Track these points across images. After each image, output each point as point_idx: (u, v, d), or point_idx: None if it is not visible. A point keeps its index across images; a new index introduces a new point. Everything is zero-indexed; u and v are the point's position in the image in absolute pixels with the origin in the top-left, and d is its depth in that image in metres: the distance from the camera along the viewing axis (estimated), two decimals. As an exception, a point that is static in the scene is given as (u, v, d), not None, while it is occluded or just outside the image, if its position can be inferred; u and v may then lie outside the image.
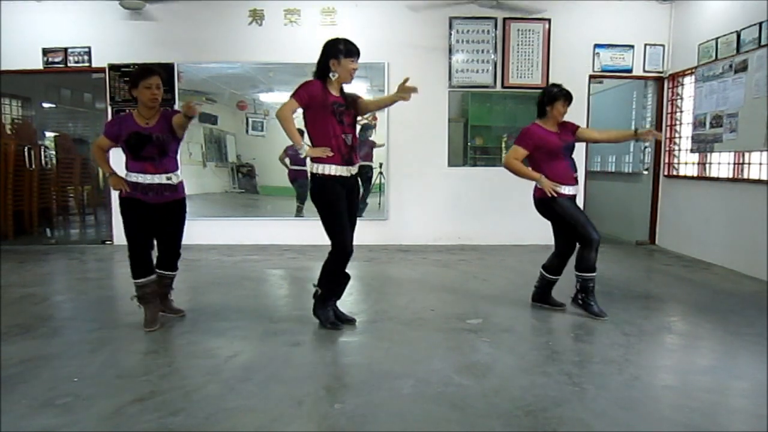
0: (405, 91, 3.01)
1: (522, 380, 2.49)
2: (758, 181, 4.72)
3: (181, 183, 3.25)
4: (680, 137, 6.06)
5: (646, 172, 6.57)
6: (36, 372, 2.55)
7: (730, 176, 5.14)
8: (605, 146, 7.34)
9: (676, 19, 6.05)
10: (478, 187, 6.23)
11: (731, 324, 3.35)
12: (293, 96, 2.99)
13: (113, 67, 6.05)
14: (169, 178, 3.15)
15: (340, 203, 3.05)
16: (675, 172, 6.12)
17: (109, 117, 5.95)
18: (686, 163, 5.94)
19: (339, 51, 3.01)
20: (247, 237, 6.19)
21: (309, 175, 3.12)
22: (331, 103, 3.00)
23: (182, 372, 2.59)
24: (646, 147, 6.54)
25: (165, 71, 5.85)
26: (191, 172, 6.06)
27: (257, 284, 4.46)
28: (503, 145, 6.32)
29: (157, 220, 3.20)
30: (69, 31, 6.06)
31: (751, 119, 4.67)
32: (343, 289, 3.28)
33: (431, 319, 3.42)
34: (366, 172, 6.17)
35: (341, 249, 3.06)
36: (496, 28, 6.10)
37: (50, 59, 6.10)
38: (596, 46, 6.15)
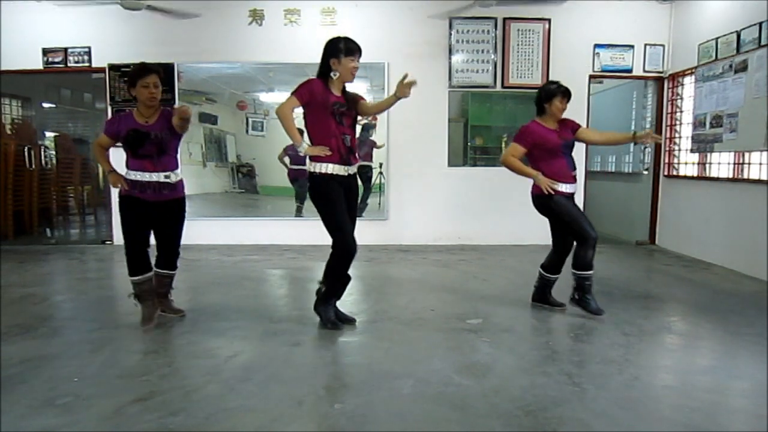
0: (406, 87, 2.99)
1: (522, 380, 2.49)
2: (758, 181, 4.72)
3: (180, 182, 3.25)
4: (680, 137, 6.06)
5: (646, 172, 6.56)
6: (36, 372, 2.55)
7: (730, 176, 5.14)
8: (605, 146, 7.34)
9: (676, 19, 6.05)
10: (478, 187, 6.23)
11: (731, 324, 3.35)
12: (294, 94, 2.99)
13: (113, 67, 6.05)
14: (167, 177, 3.15)
15: (338, 201, 3.05)
16: (675, 172, 6.12)
17: (109, 117, 5.95)
18: (686, 163, 5.94)
19: (339, 50, 3.01)
20: (247, 237, 6.19)
21: (308, 174, 3.13)
22: (331, 104, 3.00)
23: (182, 372, 2.59)
24: (646, 147, 6.53)
25: (165, 71, 5.87)
26: (191, 172, 6.06)
27: (257, 284, 4.46)
28: (503, 145, 6.31)
29: (156, 218, 3.20)
30: (69, 31, 6.06)
31: (751, 119, 4.67)
32: (343, 290, 3.27)
33: (431, 319, 3.42)
34: (366, 172, 6.17)
35: (343, 247, 3.05)
36: (496, 28, 6.10)
37: (50, 59, 6.10)
38: (596, 46, 6.15)
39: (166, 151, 3.14)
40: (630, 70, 6.21)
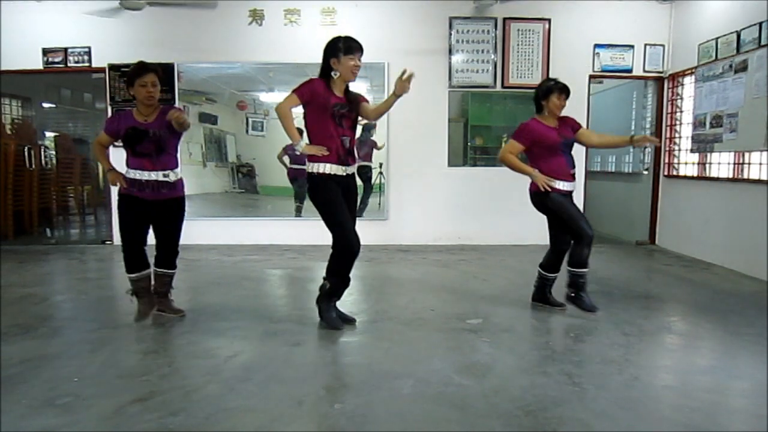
0: (405, 82, 2.93)
1: (522, 380, 2.49)
2: (758, 181, 4.72)
3: (180, 181, 3.25)
4: (680, 137, 6.06)
5: (646, 172, 6.56)
6: (36, 372, 2.55)
7: (730, 176, 5.14)
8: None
9: (676, 19, 6.05)
10: (478, 187, 6.23)
11: (731, 324, 3.35)
12: (295, 91, 3.00)
13: (113, 67, 6.05)
14: (166, 176, 3.15)
15: (337, 199, 3.04)
16: (675, 172, 6.12)
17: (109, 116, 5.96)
18: (686, 163, 5.94)
19: (338, 49, 3.01)
20: (247, 237, 6.19)
21: (306, 174, 3.12)
22: (332, 105, 2.99)
23: (182, 372, 2.58)
24: (646, 147, 6.53)
25: (165, 71, 5.87)
26: (191, 172, 6.05)
27: (257, 284, 4.46)
28: (503, 145, 6.29)
29: (155, 217, 3.21)
30: (69, 31, 6.06)
31: (751, 119, 4.67)
32: (344, 289, 3.26)
33: (431, 319, 3.42)
34: (366, 173, 6.17)
35: (344, 243, 3.03)
36: (496, 28, 6.10)
37: (50, 59, 6.10)
38: (596, 46, 6.15)
39: (165, 150, 3.14)
40: (630, 70, 6.21)
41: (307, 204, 6.06)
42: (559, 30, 6.11)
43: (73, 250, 6.03)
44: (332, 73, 3.03)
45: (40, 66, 6.10)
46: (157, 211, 3.19)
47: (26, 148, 6.82)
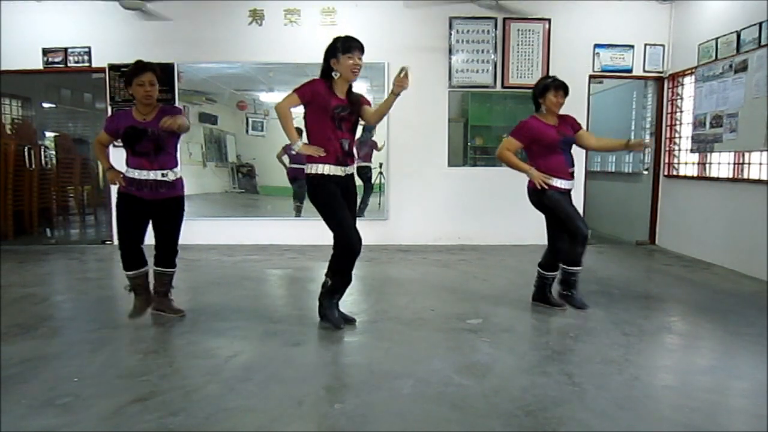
0: (404, 78, 2.86)
1: (522, 380, 2.49)
2: (758, 181, 4.72)
3: (179, 180, 3.25)
4: (680, 137, 6.06)
5: (646, 172, 6.56)
6: (36, 372, 2.55)
7: (730, 176, 5.14)
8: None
9: (676, 19, 6.04)
10: (478, 187, 6.23)
11: (731, 324, 3.35)
12: (296, 91, 2.99)
13: (113, 67, 6.05)
14: (164, 175, 3.15)
15: (336, 199, 3.03)
16: (675, 172, 6.12)
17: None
18: (686, 163, 5.94)
19: (336, 49, 3.00)
20: (247, 237, 6.19)
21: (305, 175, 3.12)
22: (332, 108, 2.98)
23: (182, 372, 2.58)
24: (644, 149, 6.54)
25: (165, 71, 5.87)
26: (191, 172, 6.05)
27: (257, 284, 4.46)
28: (503, 144, 6.31)
29: (154, 216, 3.22)
30: (69, 31, 6.06)
31: (751, 119, 4.67)
32: (344, 289, 3.26)
33: (431, 319, 3.42)
34: (365, 173, 6.17)
35: (344, 242, 3.02)
36: (496, 28, 6.10)
37: (50, 59, 6.10)
38: (596, 46, 6.15)
39: (163, 149, 3.14)
40: (630, 70, 6.21)
41: (307, 204, 6.06)
42: (559, 30, 6.11)
43: (73, 250, 6.03)
44: (333, 74, 3.03)
45: (40, 66, 6.10)
46: (156, 211, 3.20)
47: (26, 148, 6.82)
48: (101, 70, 6.11)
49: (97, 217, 8.52)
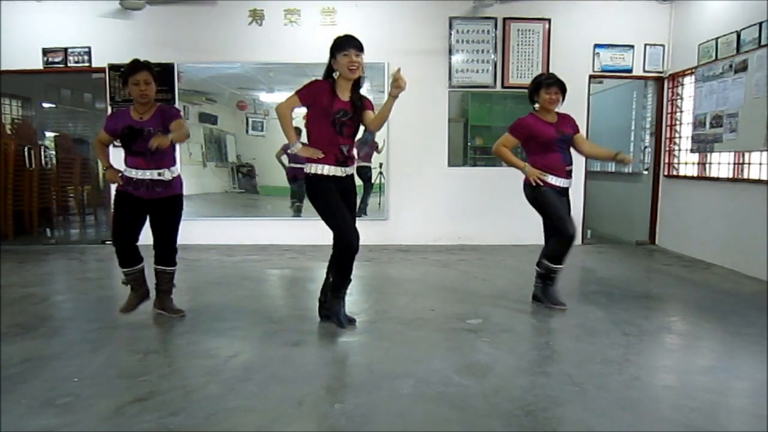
0: (400, 80, 2.80)
1: (522, 380, 2.49)
2: (758, 181, 4.72)
3: (176, 179, 3.25)
4: (680, 137, 6.06)
5: (646, 172, 6.56)
6: (36, 372, 2.54)
7: (730, 176, 5.14)
8: (605, 146, 7.30)
9: (676, 19, 6.04)
10: (478, 187, 6.23)
11: (731, 324, 3.35)
12: (297, 93, 2.98)
13: (113, 67, 6.04)
14: (161, 174, 3.15)
15: (335, 198, 3.01)
16: (675, 172, 6.12)
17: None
18: (686, 163, 5.94)
19: (334, 48, 3.00)
20: (247, 237, 6.18)
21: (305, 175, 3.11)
22: (334, 112, 2.96)
23: (182, 372, 2.59)
24: (646, 147, 6.55)
25: (165, 71, 5.88)
26: (191, 172, 6.05)
27: (257, 284, 4.46)
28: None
29: (151, 215, 3.23)
30: (69, 31, 6.06)
31: (751, 119, 4.67)
32: (345, 286, 3.23)
33: (431, 319, 3.42)
34: (365, 173, 6.17)
35: (344, 242, 3.01)
36: (496, 28, 6.10)
37: (50, 59, 6.09)
38: (596, 46, 6.14)
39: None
40: (630, 70, 6.21)
41: (307, 204, 6.06)
42: (559, 30, 6.11)
43: (73, 250, 6.03)
44: (333, 74, 3.02)
45: (40, 66, 6.10)
46: (153, 210, 3.21)
47: (26, 148, 6.81)
48: (101, 70, 6.11)
49: (97, 217, 8.52)
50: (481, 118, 6.41)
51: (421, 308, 3.65)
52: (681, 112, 6.06)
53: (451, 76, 6.15)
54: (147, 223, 3.29)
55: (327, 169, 3.01)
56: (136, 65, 3.13)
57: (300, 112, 3.17)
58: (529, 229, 5.63)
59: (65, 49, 6.07)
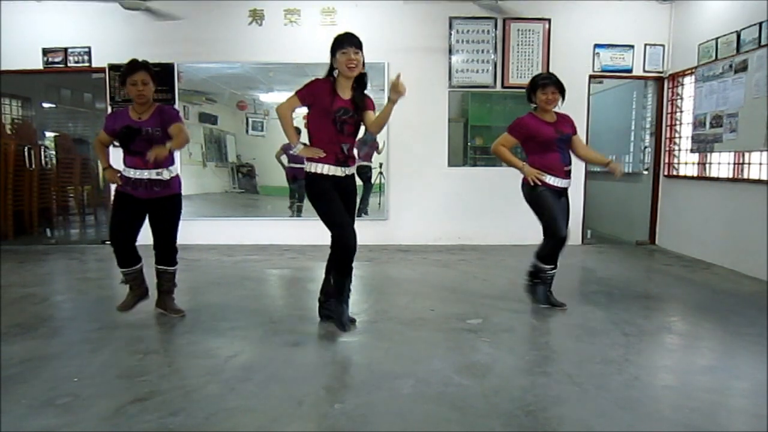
0: (400, 85, 2.80)
1: (522, 380, 2.49)
2: (758, 181, 4.72)
3: (174, 179, 3.25)
4: (680, 137, 6.06)
5: (646, 172, 6.56)
6: (36, 372, 2.55)
7: (730, 176, 5.14)
8: (605, 146, 7.31)
9: (676, 19, 6.04)
10: (478, 187, 6.23)
11: (731, 324, 3.35)
12: (297, 93, 2.98)
13: (113, 67, 6.04)
14: (159, 174, 3.16)
15: (334, 198, 3.01)
16: (675, 172, 6.12)
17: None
18: (686, 163, 5.94)
19: (333, 47, 2.99)
20: (247, 237, 6.19)
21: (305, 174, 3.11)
22: (334, 111, 2.95)
23: (182, 372, 2.59)
24: (646, 147, 6.55)
25: (165, 71, 5.88)
26: (191, 172, 6.06)
27: (257, 284, 4.46)
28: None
29: (150, 215, 3.23)
30: (69, 31, 6.06)
31: (751, 119, 4.67)
32: (346, 285, 3.22)
33: (431, 319, 3.42)
34: (365, 173, 6.17)
35: (342, 242, 3.00)
36: (496, 28, 6.10)
37: (50, 59, 6.10)
38: (596, 46, 6.14)
39: None
40: (630, 70, 6.21)
41: (308, 204, 6.06)
42: (559, 30, 6.11)
43: (73, 250, 6.03)
44: (333, 73, 3.02)
45: (40, 66, 6.10)
46: (152, 210, 3.21)
47: (26, 148, 6.81)
48: (101, 70, 6.11)
49: (97, 217, 8.52)
50: (481, 118, 6.41)
51: (421, 308, 3.65)
52: (681, 112, 6.06)
53: (451, 76, 6.15)
54: (147, 224, 3.29)
55: (327, 169, 3.01)
56: (134, 65, 3.14)
57: (300, 112, 3.17)
58: (529, 229, 5.62)
59: (65, 49, 6.08)
